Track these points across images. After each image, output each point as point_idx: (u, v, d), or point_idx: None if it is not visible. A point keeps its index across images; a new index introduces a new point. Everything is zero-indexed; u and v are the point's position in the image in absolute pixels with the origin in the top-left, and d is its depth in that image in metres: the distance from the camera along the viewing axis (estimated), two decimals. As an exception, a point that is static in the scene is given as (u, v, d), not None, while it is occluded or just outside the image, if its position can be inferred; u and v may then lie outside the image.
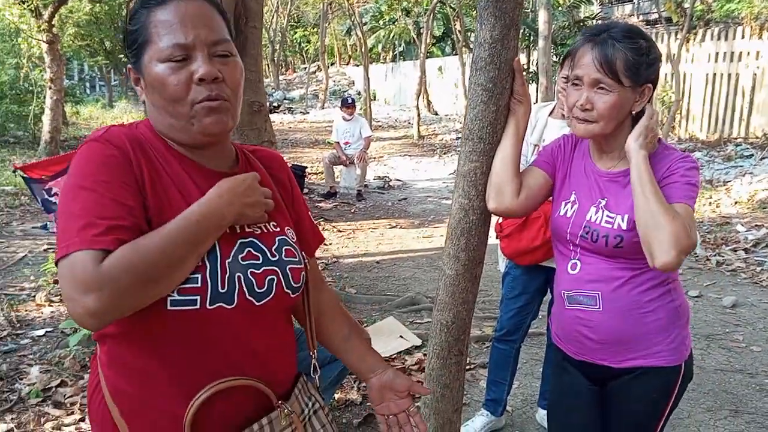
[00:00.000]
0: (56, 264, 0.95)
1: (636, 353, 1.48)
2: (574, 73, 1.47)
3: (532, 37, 11.73)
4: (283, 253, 1.15)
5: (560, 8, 12.13)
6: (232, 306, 1.05)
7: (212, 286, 1.02)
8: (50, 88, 10.79)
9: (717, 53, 10.36)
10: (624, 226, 1.44)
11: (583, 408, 1.58)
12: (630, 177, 1.41)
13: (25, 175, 3.32)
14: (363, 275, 5.09)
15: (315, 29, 30.20)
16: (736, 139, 9.91)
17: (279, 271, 1.12)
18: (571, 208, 1.53)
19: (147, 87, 1.08)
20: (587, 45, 1.45)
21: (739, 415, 2.92)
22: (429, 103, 20.02)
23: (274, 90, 25.63)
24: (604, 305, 1.48)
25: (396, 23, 22.39)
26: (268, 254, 1.12)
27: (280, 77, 30.49)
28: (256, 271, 1.09)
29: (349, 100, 8.57)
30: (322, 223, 6.88)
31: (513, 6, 1.50)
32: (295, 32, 33.77)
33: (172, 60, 1.04)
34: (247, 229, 1.12)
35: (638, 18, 13.31)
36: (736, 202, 7.33)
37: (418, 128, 14.79)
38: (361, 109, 16.04)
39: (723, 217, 6.81)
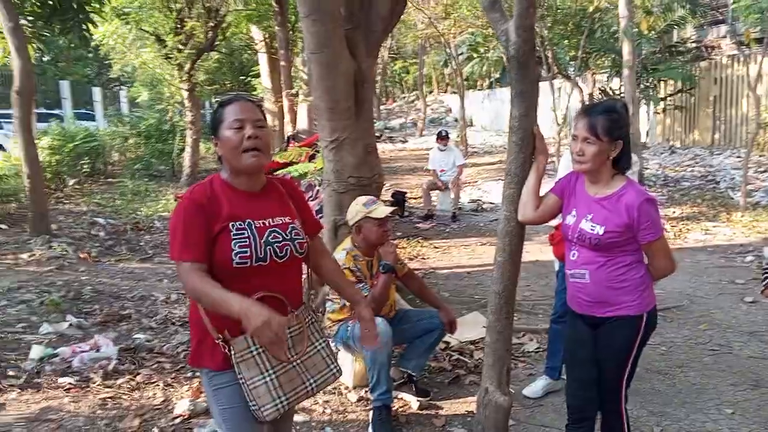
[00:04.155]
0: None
1: (613, 307, 2.33)
2: (574, 133, 2.38)
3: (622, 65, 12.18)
4: (293, 234, 1.99)
5: (649, 35, 12.46)
6: (267, 263, 1.90)
7: (255, 254, 1.87)
8: (190, 128, 12.66)
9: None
10: (600, 232, 2.29)
11: (585, 344, 2.44)
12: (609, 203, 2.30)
13: None
14: (455, 283, 6.04)
15: (414, 60, 31.67)
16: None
17: (291, 243, 1.97)
18: (572, 219, 2.42)
19: (221, 144, 1.94)
20: (582, 115, 2.35)
21: (757, 388, 3.58)
22: (524, 128, 20.59)
23: (375, 120, 27.06)
24: (590, 278, 2.35)
25: (491, 52, 23.15)
26: (284, 235, 1.96)
27: (381, 107, 32.13)
28: (279, 244, 1.94)
29: (443, 133, 9.65)
30: (420, 240, 7.87)
31: (531, 93, 2.46)
32: (395, 64, 35.44)
33: (233, 128, 1.90)
34: (272, 223, 1.95)
35: (731, 40, 13.35)
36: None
37: (512, 153, 15.40)
38: (457, 136, 16.95)
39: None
